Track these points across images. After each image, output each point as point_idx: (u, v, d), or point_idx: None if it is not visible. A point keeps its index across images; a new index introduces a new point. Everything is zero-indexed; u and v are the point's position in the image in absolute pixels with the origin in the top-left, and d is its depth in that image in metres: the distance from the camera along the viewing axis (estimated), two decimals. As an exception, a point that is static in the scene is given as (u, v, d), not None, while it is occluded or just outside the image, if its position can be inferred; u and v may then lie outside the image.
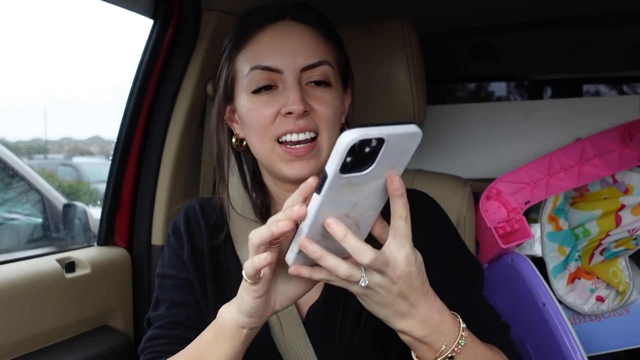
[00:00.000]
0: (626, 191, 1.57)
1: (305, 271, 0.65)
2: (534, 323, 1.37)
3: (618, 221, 1.56)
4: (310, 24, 0.90)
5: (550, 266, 1.54)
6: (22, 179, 1.69)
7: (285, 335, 0.89)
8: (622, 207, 1.56)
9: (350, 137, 0.54)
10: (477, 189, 1.38)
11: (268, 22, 0.89)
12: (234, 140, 0.94)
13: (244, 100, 0.88)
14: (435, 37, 1.78)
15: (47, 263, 1.24)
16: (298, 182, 0.69)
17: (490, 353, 0.77)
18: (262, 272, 0.65)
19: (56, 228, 1.72)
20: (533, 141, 1.82)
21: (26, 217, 1.76)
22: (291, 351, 0.89)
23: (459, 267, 0.92)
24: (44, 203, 1.72)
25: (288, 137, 0.85)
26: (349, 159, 0.56)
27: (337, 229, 0.61)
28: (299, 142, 0.85)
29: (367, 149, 0.56)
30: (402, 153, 0.59)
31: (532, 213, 1.59)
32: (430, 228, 0.92)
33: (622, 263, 1.54)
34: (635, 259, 1.59)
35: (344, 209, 0.61)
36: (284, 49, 0.86)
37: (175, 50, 1.41)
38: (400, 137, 0.57)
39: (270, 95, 0.86)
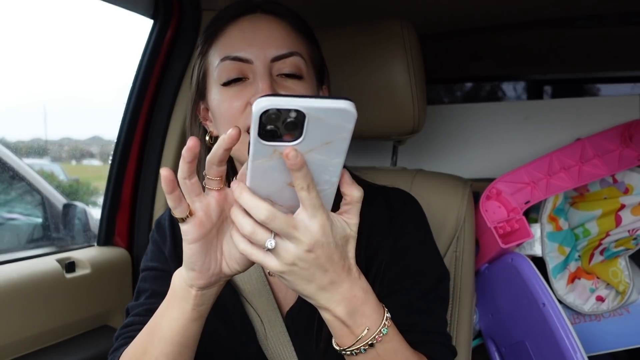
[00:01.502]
0: (626, 191, 1.56)
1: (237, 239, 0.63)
2: (534, 323, 1.37)
3: (618, 221, 1.56)
4: (282, 16, 0.89)
5: (550, 266, 1.54)
6: (22, 179, 1.69)
7: (269, 338, 0.89)
8: (622, 207, 1.56)
9: (258, 105, 0.53)
10: (477, 189, 1.38)
11: (239, 15, 0.88)
12: (207, 138, 0.92)
13: (214, 93, 0.87)
14: (435, 37, 1.77)
15: (47, 263, 1.24)
16: None
17: (411, 354, 0.72)
18: (191, 211, 0.64)
19: (56, 228, 1.72)
20: (533, 141, 1.82)
21: (26, 217, 1.76)
22: (276, 357, 0.89)
23: (416, 271, 0.88)
24: (44, 203, 1.72)
25: None
26: (269, 127, 0.54)
27: (235, 187, 0.61)
28: None
29: (288, 119, 0.54)
30: (336, 128, 0.55)
31: (532, 213, 1.59)
32: (401, 229, 0.91)
33: (622, 263, 1.54)
34: (635, 259, 1.59)
35: (286, 179, 0.59)
36: (254, 40, 0.85)
37: (175, 50, 1.41)
38: (325, 111, 0.53)
39: (241, 86, 0.85)
